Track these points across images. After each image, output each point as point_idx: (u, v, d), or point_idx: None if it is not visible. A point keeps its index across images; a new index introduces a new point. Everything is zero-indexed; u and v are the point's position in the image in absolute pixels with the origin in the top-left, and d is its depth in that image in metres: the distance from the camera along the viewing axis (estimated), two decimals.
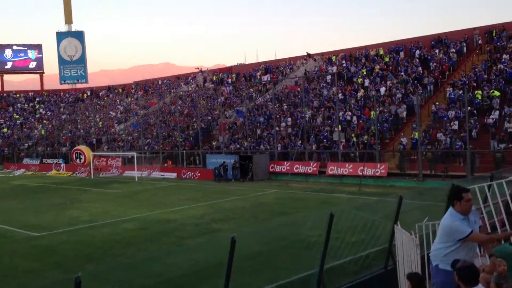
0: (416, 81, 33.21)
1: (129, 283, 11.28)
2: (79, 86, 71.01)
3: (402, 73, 34.81)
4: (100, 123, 54.66)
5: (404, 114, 30.98)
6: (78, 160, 41.34)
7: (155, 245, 14.52)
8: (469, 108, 25.75)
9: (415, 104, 27.86)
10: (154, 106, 53.29)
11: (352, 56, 41.96)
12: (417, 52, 36.63)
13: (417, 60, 35.87)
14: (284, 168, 31.31)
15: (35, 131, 59.14)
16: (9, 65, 70.88)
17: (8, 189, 33.06)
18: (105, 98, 63.37)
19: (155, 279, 11.41)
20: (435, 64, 34.20)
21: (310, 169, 30.04)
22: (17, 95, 69.49)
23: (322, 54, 45.84)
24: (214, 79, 53.44)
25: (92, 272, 11.15)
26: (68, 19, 69.06)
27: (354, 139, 30.29)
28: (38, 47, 72.63)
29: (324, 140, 31.47)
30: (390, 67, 36.88)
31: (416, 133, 26.85)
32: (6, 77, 72.76)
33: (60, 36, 69.17)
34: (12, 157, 54.59)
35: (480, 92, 28.54)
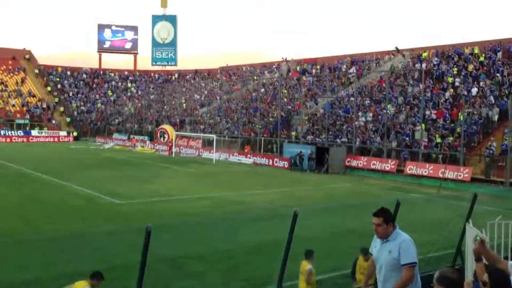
0: None
1: (193, 252, 11.81)
2: (168, 68, 74.13)
3: (498, 74, 32.65)
4: (185, 104, 56.82)
5: (496, 118, 29.12)
6: (161, 139, 43.37)
7: (226, 223, 15.04)
8: None
9: (509, 108, 26.08)
10: (237, 92, 54.41)
11: (444, 53, 39.99)
12: None
13: None
14: (360, 163, 30.76)
15: (126, 108, 62.77)
16: (107, 44, 75.45)
17: (99, 160, 35.58)
18: (192, 81, 65.65)
19: (221, 255, 11.85)
20: None
21: (387, 167, 29.27)
22: (113, 74, 73.94)
23: (412, 50, 44.14)
24: (298, 69, 53.43)
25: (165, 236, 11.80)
26: (164, 3, 71.91)
27: (438, 139, 29.01)
28: (134, 29, 76.64)
29: (406, 139, 30.46)
30: (485, 67, 34.72)
31: (508, 139, 25.17)
32: (104, 55, 77.58)
33: (155, 19, 72.24)
34: (104, 131, 58.49)
35: None
